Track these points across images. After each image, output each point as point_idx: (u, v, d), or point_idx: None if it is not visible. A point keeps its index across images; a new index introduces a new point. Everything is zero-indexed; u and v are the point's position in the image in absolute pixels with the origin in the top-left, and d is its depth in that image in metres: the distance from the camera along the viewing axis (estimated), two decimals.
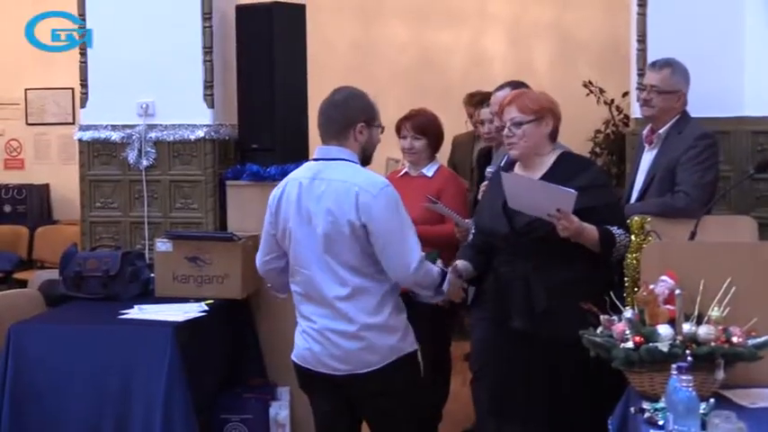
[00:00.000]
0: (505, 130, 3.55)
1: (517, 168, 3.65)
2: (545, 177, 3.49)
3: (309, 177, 3.39)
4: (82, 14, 5.05)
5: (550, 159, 3.56)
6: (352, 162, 3.40)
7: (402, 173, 4.80)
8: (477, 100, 6.14)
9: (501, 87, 4.38)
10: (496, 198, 3.59)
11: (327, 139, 3.43)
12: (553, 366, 3.43)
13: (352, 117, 3.40)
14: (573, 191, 3.27)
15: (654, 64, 4.18)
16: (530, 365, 3.48)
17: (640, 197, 4.13)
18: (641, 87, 4.19)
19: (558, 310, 3.38)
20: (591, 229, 3.38)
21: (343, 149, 3.40)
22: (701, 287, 2.88)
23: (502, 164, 4.04)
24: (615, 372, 2.93)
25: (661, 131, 4.12)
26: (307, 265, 3.38)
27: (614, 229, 3.45)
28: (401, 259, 3.31)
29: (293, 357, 3.52)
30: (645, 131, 4.23)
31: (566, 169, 3.51)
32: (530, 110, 3.52)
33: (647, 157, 4.18)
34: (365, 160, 3.47)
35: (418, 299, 3.69)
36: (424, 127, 4.71)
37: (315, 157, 3.47)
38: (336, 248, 3.31)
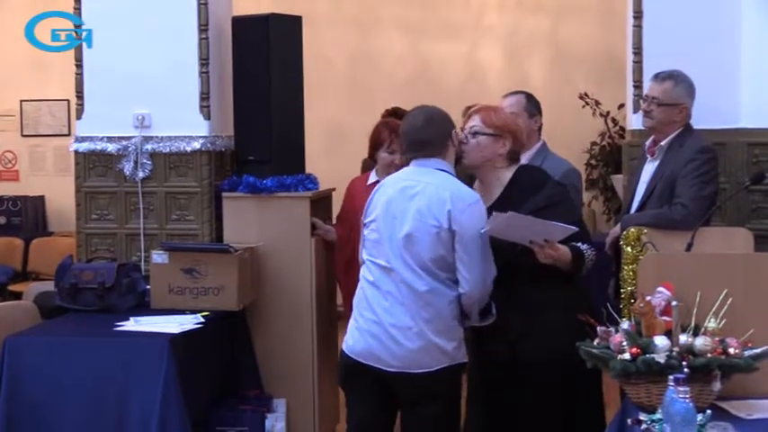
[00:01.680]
0: (461, 136, 3.59)
1: (476, 188, 3.62)
2: (501, 198, 3.52)
3: (404, 179, 3.54)
4: (78, 26, 5.05)
5: (508, 174, 3.59)
6: (449, 173, 3.53)
7: (372, 180, 4.70)
8: None
9: (512, 94, 4.39)
10: None
11: (419, 155, 3.55)
12: (534, 388, 3.44)
13: (444, 132, 3.55)
14: (574, 228, 3.34)
15: (657, 75, 4.16)
16: (514, 391, 3.48)
17: (640, 208, 4.13)
18: (643, 98, 4.18)
19: (532, 332, 3.42)
20: (565, 251, 3.40)
21: (441, 161, 3.54)
22: (697, 298, 2.88)
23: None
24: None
25: (663, 143, 4.12)
26: (387, 258, 3.45)
27: (581, 246, 3.46)
28: (481, 272, 3.42)
29: (343, 348, 3.56)
30: (648, 142, 4.23)
31: (521, 189, 3.53)
32: (492, 124, 3.57)
33: (649, 168, 4.18)
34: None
35: (465, 325, 3.58)
36: None
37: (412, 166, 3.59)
38: (416, 248, 3.40)
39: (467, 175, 4.89)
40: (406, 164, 3.60)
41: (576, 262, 3.44)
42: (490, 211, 3.46)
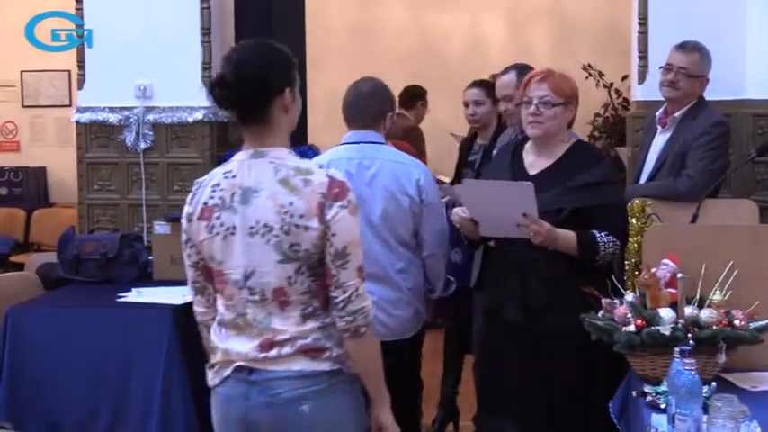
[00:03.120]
0: (532, 108, 3.36)
1: (528, 152, 3.48)
2: (558, 163, 3.38)
3: (354, 157, 3.57)
4: (79, 7, 5.01)
5: (564, 147, 3.43)
6: (387, 145, 3.68)
7: None
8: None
9: (506, 71, 4.31)
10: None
11: (357, 126, 3.64)
12: (548, 362, 3.31)
13: (383, 108, 3.67)
14: (529, 183, 3.18)
15: (684, 46, 4.11)
16: (524, 362, 3.35)
17: (650, 180, 4.11)
18: (665, 67, 4.13)
19: (555, 305, 3.26)
20: (566, 235, 3.23)
21: (378, 134, 3.66)
22: (702, 270, 2.87)
23: (507, 143, 3.99)
24: (614, 362, 2.96)
25: (677, 115, 4.09)
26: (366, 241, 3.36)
27: (602, 235, 3.26)
28: (442, 230, 3.67)
29: None
30: (659, 113, 4.20)
31: (580, 159, 3.39)
32: (563, 93, 3.37)
33: (660, 140, 4.16)
34: None
35: (433, 296, 3.81)
36: None
37: (350, 140, 3.63)
38: (392, 224, 3.57)
39: (467, 139, 4.88)
40: None
41: (583, 250, 3.24)
42: (536, 179, 3.29)
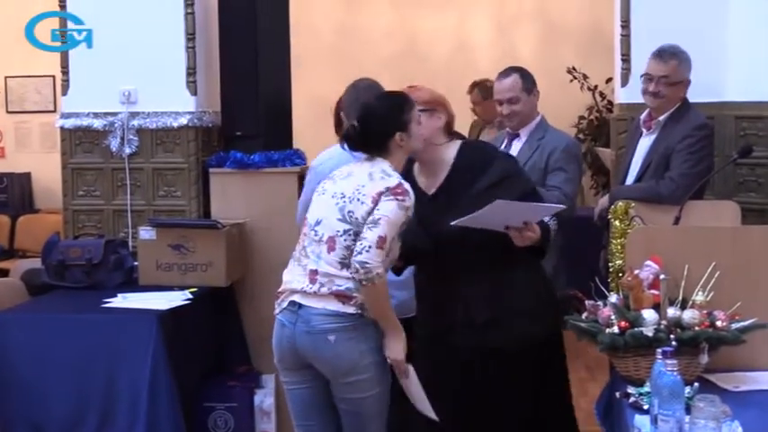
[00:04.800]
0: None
1: (418, 174, 3.43)
2: (451, 176, 3.33)
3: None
4: (63, 2, 5.01)
5: (451, 156, 3.37)
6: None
7: None
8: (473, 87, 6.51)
9: (507, 74, 4.31)
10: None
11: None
12: (506, 375, 3.29)
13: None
14: (561, 206, 3.27)
15: (661, 55, 4.11)
16: (481, 381, 3.31)
17: (636, 182, 4.14)
18: (645, 77, 4.15)
19: (500, 317, 3.26)
20: (538, 229, 3.23)
21: None
22: (685, 272, 2.89)
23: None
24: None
25: (661, 118, 4.12)
26: None
27: (545, 221, 3.30)
28: None
29: None
30: (643, 116, 4.22)
31: (472, 163, 3.33)
32: (421, 101, 3.36)
33: (645, 143, 4.18)
34: None
35: None
36: None
37: None
38: None
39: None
40: None
41: (545, 238, 3.28)
42: (437, 196, 3.31)
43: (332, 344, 3.16)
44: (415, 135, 3.26)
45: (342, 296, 3.16)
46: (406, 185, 3.18)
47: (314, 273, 3.20)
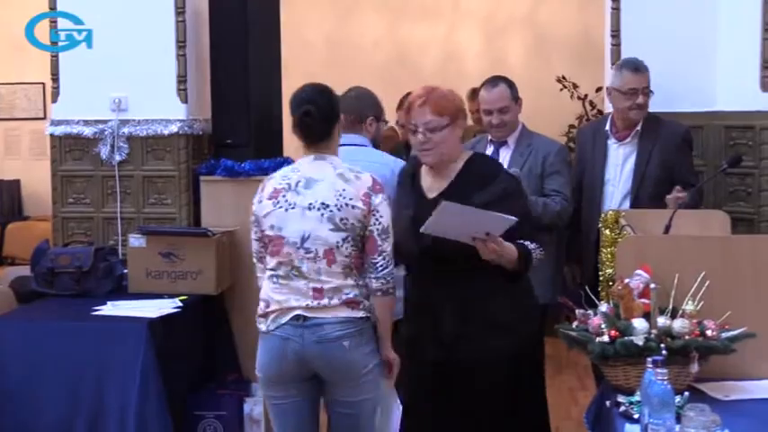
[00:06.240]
0: (420, 136, 3.29)
1: (424, 176, 3.43)
2: (454, 184, 3.32)
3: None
4: (53, 8, 5.00)
5: (459, 165, 3.36)
6: (368, 147, 4.08)
7: None
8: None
9: (495, 83, 4.33)
10: (406, 208, 3.39)
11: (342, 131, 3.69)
12: (478, 391, 3.28)
13: (362, 111, 4.09)
14: (514, 218, 3.10)
15: (637, 67, 4.18)
16: (454, 397, 3.31)
17: (635, 196, 4.17)
18: (632, 92, 4.17)
19: (471, 332, 3.26)
20: (510, 249, 3.19)
21: (362, 137, 4.07)
22: (675, 281, 2.89)
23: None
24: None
25: (639, 127, 4.14)
26: None
27: (528, 244, 3.26)
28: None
29: None
30: (608, 127, 4.25)
31: (476, 175, 3.32)
32: (446, 112, 3.27)
33: (621, 152, 4.21)
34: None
35: None
36: None
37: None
38: None
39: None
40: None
41: (522, 261, 3.23)
42: (436, 201, 3.22)
43: (346, 349, 3.21)
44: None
45: (351, 303, 3.23)
46: (377, 177, 3.32)
47: (318, 291, 3.22)
